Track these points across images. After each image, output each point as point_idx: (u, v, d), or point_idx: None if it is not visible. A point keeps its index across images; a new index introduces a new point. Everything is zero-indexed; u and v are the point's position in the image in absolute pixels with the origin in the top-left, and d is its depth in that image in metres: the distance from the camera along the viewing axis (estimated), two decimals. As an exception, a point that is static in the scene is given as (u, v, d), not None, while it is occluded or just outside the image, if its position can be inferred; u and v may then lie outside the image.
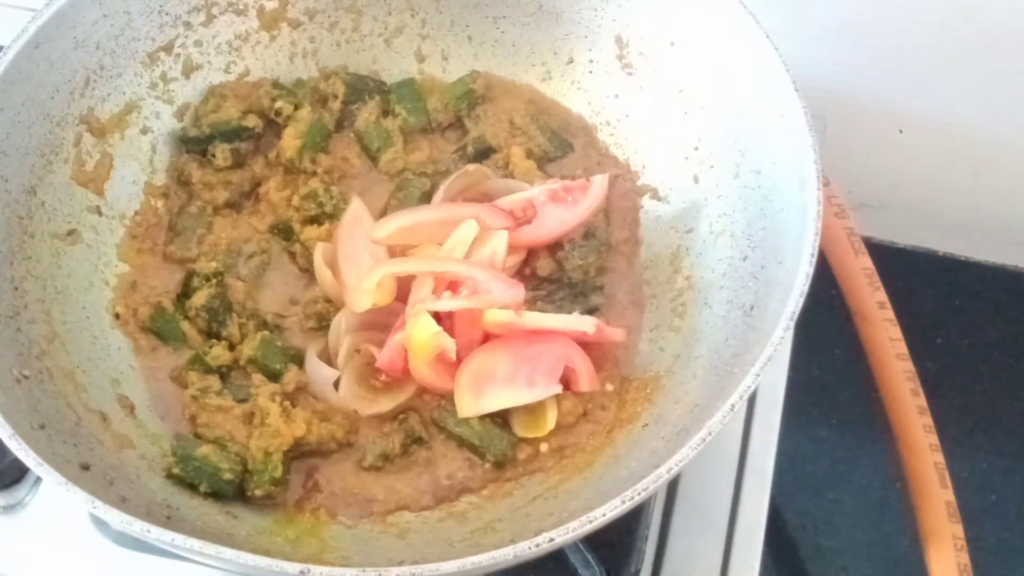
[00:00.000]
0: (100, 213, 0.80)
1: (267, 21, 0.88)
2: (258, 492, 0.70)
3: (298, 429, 0.72)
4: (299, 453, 0.73)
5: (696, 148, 0.82)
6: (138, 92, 0.84)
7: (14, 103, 0.74)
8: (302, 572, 0.55)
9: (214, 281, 0.79)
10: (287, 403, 0.73)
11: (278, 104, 0.85)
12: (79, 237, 0.79)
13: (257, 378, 0.76)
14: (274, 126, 0.86)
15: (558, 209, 0.79)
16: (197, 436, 0.73)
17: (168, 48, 0.85)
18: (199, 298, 0.78)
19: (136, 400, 0.75)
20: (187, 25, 0.85)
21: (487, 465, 0.74)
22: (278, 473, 0.71)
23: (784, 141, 0.72)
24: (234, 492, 0.71)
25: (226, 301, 0.79)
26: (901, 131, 1.12)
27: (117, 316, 0.78)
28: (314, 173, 0.84)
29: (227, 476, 0.70)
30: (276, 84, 0.87)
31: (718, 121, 0.80)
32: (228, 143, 0.84)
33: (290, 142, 0.84)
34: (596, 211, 0.81)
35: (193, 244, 0.82)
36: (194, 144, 0.85)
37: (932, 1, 0.97)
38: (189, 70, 0.86)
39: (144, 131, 0.84)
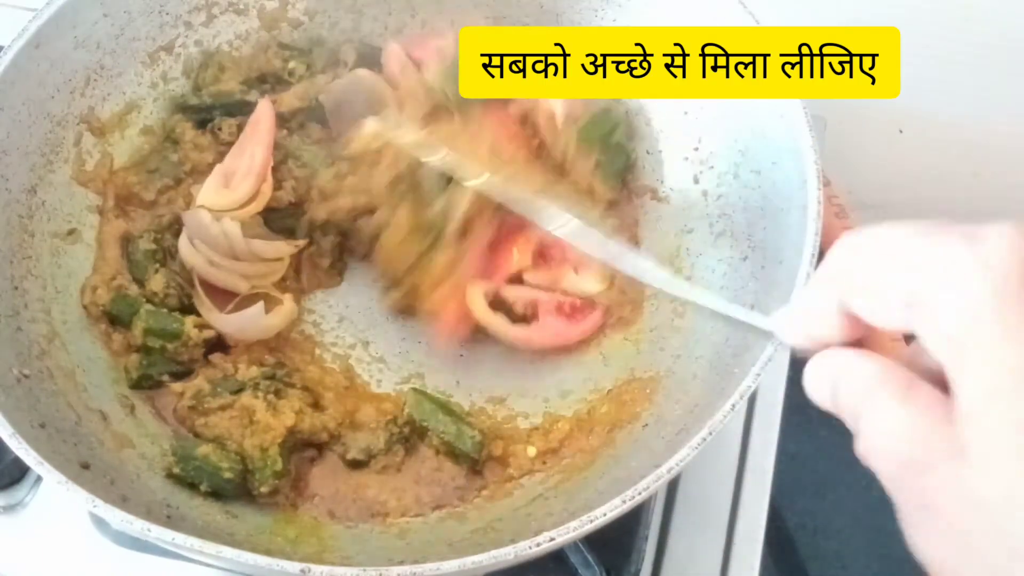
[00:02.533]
0: (100, 212, 0.80)
1: (268, 21, 0.88)
2: (264, 489, 0.70)
3: (288, 419, 0.72)
4: (295, 444, 0.73)
5: (696, 148, 0.82)
6: (139, 92, 0.84)
7: (14, 103, 0.74)
8: (302, 572, 0.55)
9: (153, 238, 0.78)
10: (271, 396, 0.73)
11: (291, 64, 0.85)
12: (79, 236, 0.79)
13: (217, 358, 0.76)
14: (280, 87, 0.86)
15: (558, 322, 0.79)
16: (196, 435, 0.73)
17: (168, 48, 0.85)
18: (155, 283, 0.77)
19: (136, 399, 0.75)
20: (188, 25, 0.85)
21: (466, 471, 0.74)
22: (279, 466, 0.71)
23: (784, 141, 0.72)
24: (235, 491, 0.71)
25: (185, 272, 0.78)
26: (901, 131, 1.12)
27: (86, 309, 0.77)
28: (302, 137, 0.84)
29: (227, 475, 0.70)
30: (283, 45, 0.87)
31: (718, 121, 0.80)
32: (231, 117, 0.83)
33: (291, 100, 0.84)
34: (592, 335, 0.80)
35: (154, 190, 0.81)
36: (193, 113, 0.84)
37: (932, 1, 0.97)
38: (189, 70, 0.86)
39: (144, 131, 0.84)
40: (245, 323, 0.76)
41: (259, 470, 0.71)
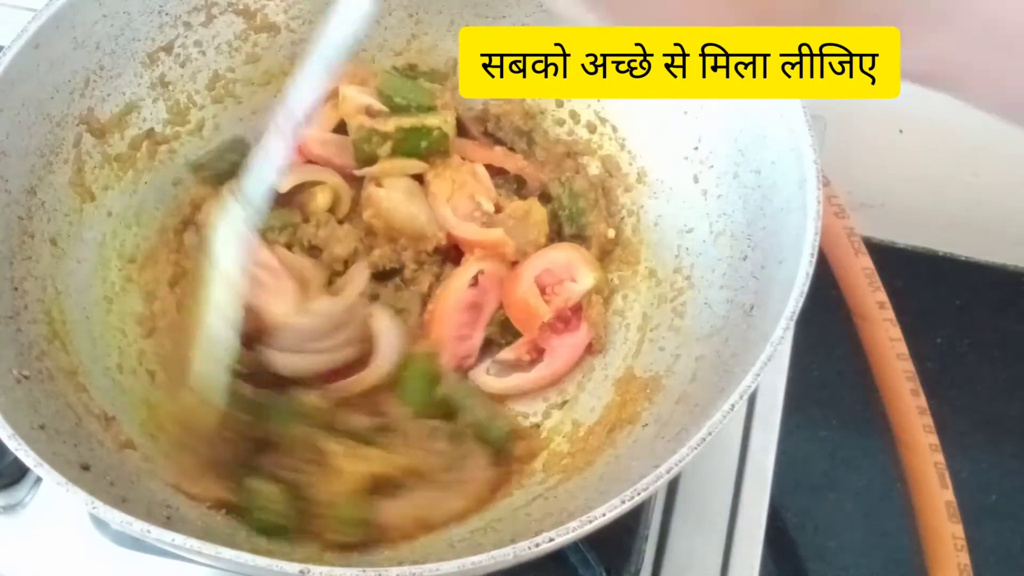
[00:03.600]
0: (100, 213, 0.81)
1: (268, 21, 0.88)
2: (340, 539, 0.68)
3: (375, 465, 0.69)
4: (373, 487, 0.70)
5: (696, 148, 0.82)
6: (138, 92, 0.84)
7: (14, 103, 0.74)
8: (302, 572, 0.55)
9: None
10: (350, 441, 0.70)
11: None
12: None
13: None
14: None
15: (564, 339, 0.79)
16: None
17: (168, 48, 0.85)
18: None
19: (136, 400, 0.75)
20: (187, 25, 0.85)
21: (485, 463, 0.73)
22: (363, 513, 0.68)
23: (784, 141, 0.72)
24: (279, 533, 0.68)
25: None
26: (901, 131, 1.12)
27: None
28: None
29: (279, 520, 0.67)
30: None
31: (718, 121, 0.80)
32: None
33: None
34: (599, 322, 0.80)
35: None
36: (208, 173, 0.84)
37: (932, 1, 0.97)
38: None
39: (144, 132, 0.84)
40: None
41: (336, 517, 0.68)
